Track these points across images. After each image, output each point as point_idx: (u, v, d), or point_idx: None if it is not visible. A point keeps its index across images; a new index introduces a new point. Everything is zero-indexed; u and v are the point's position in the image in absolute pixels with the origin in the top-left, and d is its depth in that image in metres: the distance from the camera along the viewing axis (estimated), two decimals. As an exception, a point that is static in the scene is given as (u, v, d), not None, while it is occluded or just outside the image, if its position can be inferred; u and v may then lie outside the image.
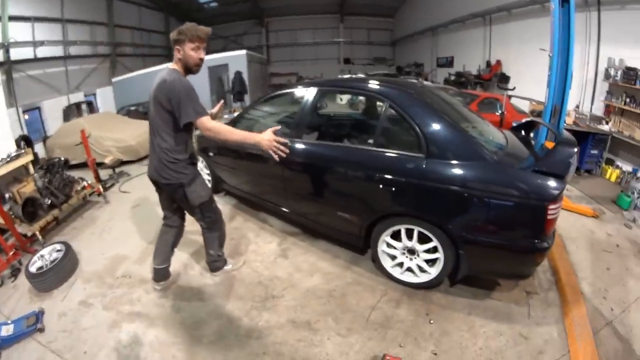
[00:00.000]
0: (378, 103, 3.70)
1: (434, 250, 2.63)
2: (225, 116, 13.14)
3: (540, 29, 10.26)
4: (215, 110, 3.19)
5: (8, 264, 4.15)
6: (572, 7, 4.25)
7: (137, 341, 2.77)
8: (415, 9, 22.48)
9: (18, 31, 12.05)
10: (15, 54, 11.92)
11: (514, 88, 8.81)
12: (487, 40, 14.76)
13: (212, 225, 2.93)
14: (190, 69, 2.53)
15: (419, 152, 2.54)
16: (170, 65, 2.56)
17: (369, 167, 2.78)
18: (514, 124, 3.95)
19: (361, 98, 7.25)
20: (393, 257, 2.90)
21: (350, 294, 2.89)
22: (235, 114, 12.45)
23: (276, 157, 2.36)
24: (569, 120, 6.08)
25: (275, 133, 2.45)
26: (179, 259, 3.61)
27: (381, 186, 2.67)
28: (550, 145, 3.23)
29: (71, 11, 14.57)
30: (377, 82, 3.20)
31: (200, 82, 14.05)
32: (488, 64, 14.50)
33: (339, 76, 24.74)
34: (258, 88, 16.33)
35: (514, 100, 8.21)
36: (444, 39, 18.94)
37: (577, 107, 8.36)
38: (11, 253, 4.24)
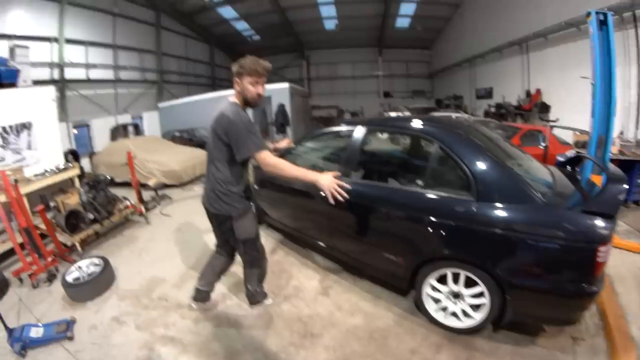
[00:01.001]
0: (426, 143, 3.73)
1: (479, 295, 2.58)
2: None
3: (579, 53, 10.15)
4: (282, 145, 3.32)
5: (45, 269, 4.37)
6: (610, 29, 4.02)
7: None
8: (451, 41, 22.72)
9: (73, 53, 13.62)
10: (69, 73, 13.36)
11: (557, 120, 8.43)
12: (526, 69, 14.59)
13: (253, 262, 2.90)
14: (248, 102, 2.57)
15: (469, 194, 2.53)
16: (230, 98, 2.61)
17: (418, 209, 2.78)
18: (559, 158, 3.86)
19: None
20: (437, 301, 2.85)
21: (391, 336, 2.82)
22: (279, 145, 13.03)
23: (332, 200, 2.33)
24: (613, 149, 5.67)
25: (337, 178, 2.47)
26: (220, 288, 3.63)
27: (430, 229, 2.65)
28: (596, 179, 3.23)
29: (122, 38, 16.14)
30: (426, 122, 3.24)
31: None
32: (528, 93, 14.28)
33: (382, 111, 25.17)
34: (300, 120, 16.81)
35: (557, 131, 7.93)
36: (482, 70, 18.89)
37: (621, 133, 7.88)
38: (50, 259, 4.48)
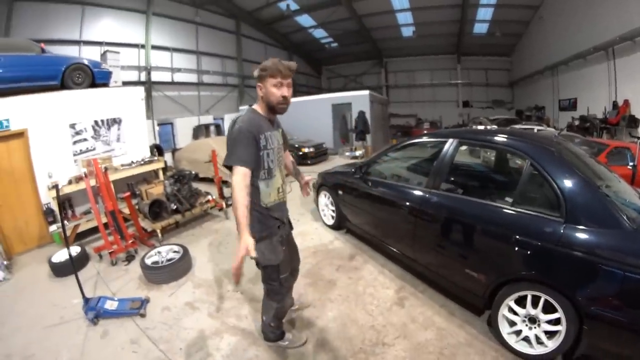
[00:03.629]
0: (516, 158, 3.71)
1: (556, 322, 2.50)
2: (347, 153, 14.03)
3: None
4: (304, 180, 2.99)
5: (125, 249, 4.78)
6: None
7: (235, 354, 2.84)
8: (531, 46, 20.97)
9: (159, 58, 15.65)
10: (156, 76, 15.33)
11: None
12: (612, 77, 13.00)
13: (273, 294, 2.60)
14: (273, 107, 2.33)
15: (558, 215, 2.49)
16: (254, 105, 2.45)
17: (505, 227, 2.75)
18: None
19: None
20: (512, 323, 2.78)
21: (461, 354, 2.76)
22: (357, 153, 13.11)
23: (237, 260, 1.98)
24: None
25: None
26: (296, 288, 3.57)
27: (516, 247, 2.61)
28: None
29: (205, 45, 17.95)
30: (517, 138, 3.23)
31: (324, 118, 15.27)
32: (614, 105, 12.73)
33: (460, 121, 24.16)
34: (379, 128, 16.78)
35: None
36: (566, 79, 17.16)
37: None
38: (130, 241, 4.88)
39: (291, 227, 2.80)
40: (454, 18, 20.28)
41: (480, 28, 21.73)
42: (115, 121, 6.82)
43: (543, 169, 2.66)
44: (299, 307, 3.36)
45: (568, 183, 2.53)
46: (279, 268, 2.47)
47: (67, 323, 3.37)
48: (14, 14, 10.73)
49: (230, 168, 2.19)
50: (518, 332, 2.72)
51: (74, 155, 6.15)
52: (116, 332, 3.17)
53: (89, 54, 10.99)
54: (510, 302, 2.71)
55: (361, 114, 13.77)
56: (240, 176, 2.11)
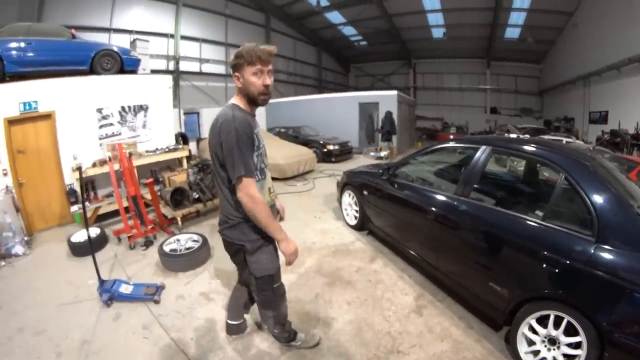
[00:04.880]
0: (548, 170, 3.63)
1: (577, 346, 2.41)
2: (372, 153, 13.84)
3: None
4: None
5: (144, 235, 4.83)
6: None
7: (247, 348, 2.81)
8: (563, 54, 20.11)
9: (188, 48, 16.04)
10: (184, 66, 15.77)
11: None
12: None
13: (267, 304, 2.49)
14: (254, 99, 2.11)
15: (589, 234, 2.41)
16: (232, 99, 2.20)
17: (534, 241, 2.68)
18: None
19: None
20: (530, 343, 2.69)
21: None
22: (382, 153, 12.95)
23: (287, 266, 2.31)
24: None
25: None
26: (314, 287, 3.76)
27: (544, 265, 2.55)
28: None
29: (233, 37, 18.22)
30: (551, 149, 3.16)
31: (350, 116, 15.12)
32: None
33: (487, 128, 23.61)
34: (405, 130, 16.60)
35: None
36: (598, 90, 16.37)
37: None
38: (150, 227, 4.93)
39: None
40: (485, 21, 19.91)
41: (512, 33, 21.26)
42: (142, 108, 6.93)
43: (577, 183, 2.60)
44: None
45: (601, 200, 2.46)
46: (273, 278, 2.38)
47: (80, 303, 3.41)
48: (46, 0, 11.12)
49: (234, 179, 2.01)
50: (536, 353, 2.65)
51: (100, 139, 6.29)
52: (128, 316, 3.18)
53: (119, 42, 11.24)
54: (531, 320, 2.65)
55: (388, 114, 13.65)
56: (252, 187, 2.00)
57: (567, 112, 19.71)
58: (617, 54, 13.53)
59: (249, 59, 1.99)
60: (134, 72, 7.16)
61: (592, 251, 2.32)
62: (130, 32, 13.13)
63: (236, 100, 2.15)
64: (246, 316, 2.97)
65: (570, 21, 18.13)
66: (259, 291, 2.40)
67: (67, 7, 11.65)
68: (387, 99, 14.58)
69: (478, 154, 3.42)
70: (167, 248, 4.19)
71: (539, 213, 2.85)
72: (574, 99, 18.71)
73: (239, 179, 1.96)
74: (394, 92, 14.87)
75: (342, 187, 5.52)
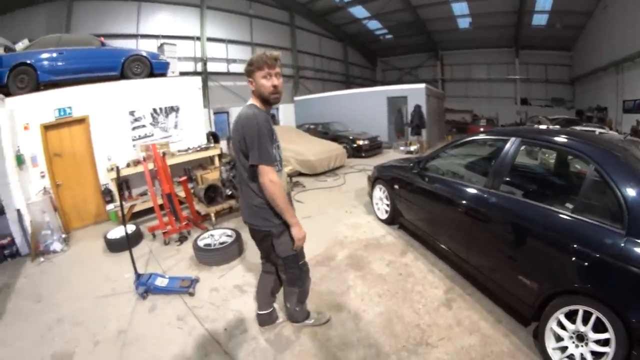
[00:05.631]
0: (578, 162, 3.56)
1: (605, 343, 2.36)
2: (401, 148, 13.66)
3: None
4: None
5: (179, 230, 4.94)
6: None
7: (279, 340, 2.85)
8: (595, 40, 18.97)
9: (215, 50, 16.50)
10: (211, 67, 16.20)
11: None
12: None
13: (294, 281, 2.74)
14: (267, 99, 2.40)
15: (620, 227, 2.36)
16: (249, 101, 2.49)
17: (564, 234, 2.65)
18: None
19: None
20: (558, 339, 2.68)
21: None
22: (412, 147, 12.75)
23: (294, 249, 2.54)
24: None
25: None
26: (345, 280, 3.80)
27: (573, 258, 2.51)
28: None
29: (259, 36, 18.58)
30: (581, 140, 3.12)
31: (379, 110, 14.97)
32: None
33: (518, 119, 22.77)
34: (434, 123, 16.34)
35: None
36: (632, 77, 15.45)
37: None
38: (184, 223, 5.05)
39: None
40: (511, 9, 19.22)
41: (539, 19, 20.34)
42: (173, 109, 7.11)
43: (608, 175, 2.56)
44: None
45: (632, 192, 2.41)
46: (297, 256, 2.64)
47: (117, 295, 3.53)
48: (73, 12, 11.67)
49: (254, 165, 2.29)
50: (563, 349, 2.62)
51: (133, 140, 6.49)
52: (164, 308, 3.26)
53: (146, 47, 11.65)
54: (560, 315, 2.62)
55: (417, 108, 13.47)
56: (274, 173, 2.28)
57: (599, 101, 18.83)
58: None
59: (257, 65, 2.32)
60: (163, 75, 7.34)
61: (622, 245, 2.28)
62: (157, 37, 13.58)
63: (252, 101, 2.44)
64: (275, 305, 3.02)
65: (601, 4, 17.19)
66: (287, 270, 2.67)
67: (95, 16, 12.20)
68: (415, 93, 14.35)
69: (507, 145, 3.41)
70: (201, 243, 4.29)
71: (569, 205, 2.82)
72: (607, 87, 17.84)
73: (262, 166, 2.24)
74: (422, 86, 14.60)
75: (373, 181, 5.49)
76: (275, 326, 2.98)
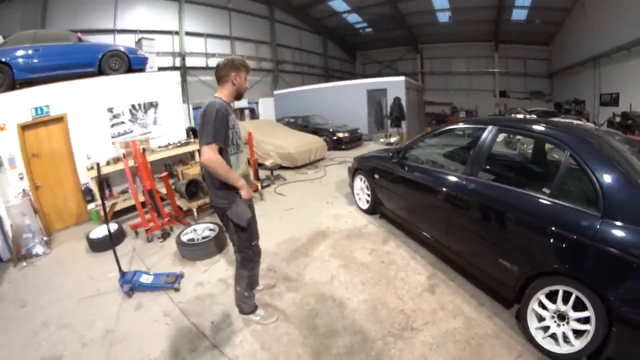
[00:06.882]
0: (554, 149, 3.72)
1: (585, 320, 2.48)
2: (381, 140, 13.72)
3: None
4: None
5: (161, 227, 4.90)
6: None
7: (265, 330, 2.89)
8: (572, 35, 19.66)
9: (193, 44, 16.22)
10: (190, 62, 15.94)
11: None
12: None
13: (245, 262, 2.89)
14: (240, 95, 2.75)
15: (595, 209, 2.47)
16: (216, 93, 2.71)
17: (541, 217, 2.74)
18: None
19: (519, 138, 7.79)
20: (540, 319, 2.79)
21: (487, 345, 2.79)
22: (392, 139, 12.84)
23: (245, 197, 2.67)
24: None
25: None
26: (329, 269, 3.84)
27: (551, 240, 2.60)
28: None
29: (238, 30, 18.40)
30: (558, 128, 3.22)
31: (358, 103, 14.99)
32: None
33: (497, 111, 23.23)
34: (414, 116, 16.44)
35: None
36: (608, 72, 16.12)
37: None
38: (166, 219, 5.00)
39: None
40: (491, 3, 19.49)
41: (518, 14, 20.80)
42: (152, 105, 6.96)
43: (582, 160, 2.65)
44: (264, 287, 3.41)
45: (607, 177, 2.51)
46: (252, 234, 2.86)
47: (103, 295, 3.48)
48: (49, 7, 11.26)
49: (203, 144, 2.48)
50: (546, 328, 2.73)
51: (112, 137, 6.34)
52: (150, 305, 3.25)
53: (124, 42, 11.33)
54: (541, 295, 2.71)
55: (397, 100, 13.54)
56: (215, 150, 2.45)
57: (577, 95, 19.43)
58: (627, 34, 13.27)
59: (246, 67, 2.71)
60: (142, 70, 7.19)
61: (598, 227, 2.36)
62: (134, 31, 13.27)
63: (219, 94, 2.67)
64: (255, 294, 3.10)
65: (579, 1, 17.69)
66: (242, 250, 2.83)
67: (70, 11, 11.81)
68: (395, 85, 14.44)
69: (485, 134, 3.46)
70: (184, 238, 4.27)
71: (546, 190, 2.89)
72: (584, 81, 18.43)
73: (207, 144, 2.42)
74: (402, 78, 14.72)
75: (354, 172, 5.53)
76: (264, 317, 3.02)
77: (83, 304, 3.37)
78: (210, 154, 2.42)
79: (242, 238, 2.78)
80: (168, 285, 3.43)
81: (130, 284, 3.37)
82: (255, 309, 3.04)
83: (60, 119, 5.68)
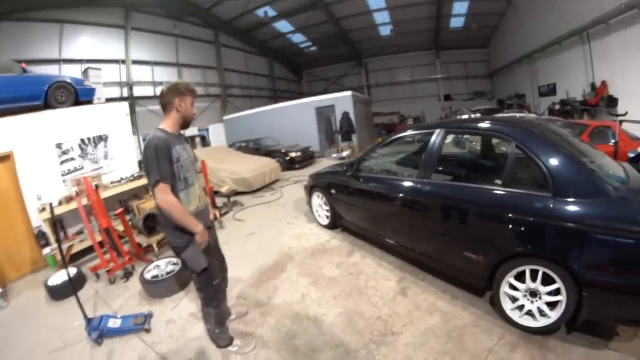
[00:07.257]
0: (501, 142, 3.93)
1: (556, 292, 2.64)
2: (334, 155, 14.09)
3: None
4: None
5: (122, 266, 4.72)
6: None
7: (247, 359, 2.86)
8: (508, 36, 21.79)
9: (140, 73, 15.92)
10: (138, 91, 15.63)
11: (626, 113, 7.82)
12: (588, 60, 13.59)
13: (208, 301, 2.77)
14: (187, 122, 2.60)
15: (546, 191, 2.65)
16: (160, 125, 2.55)
17: (497, 207, 2.91)
18: (630, 154, 3.92)
19: (467, 136, 8.04)
20: (513, 299, 2.93)
21: (468, 335, 2.89)
22: (344, 153, 13.19)
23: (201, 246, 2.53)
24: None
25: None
26: (299, 288, 3.84)
27: (510, 226, 2.77)
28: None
29: (185, 57, 18.27)
30: (500, 123, 3.44)
31: (308, 122, 15.28)
32: (593, 86, 13.35)
33: (443, 115, 24.54)
34: (364, 128, 16.99)
35: (627, 126, 7.28)
36: (543, 65, 17.90)
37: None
38: (127, 258, 4.81)
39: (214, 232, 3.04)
40: (430, 14, 20.81)
41: (456, 22, 22.45)
42: (102, 138, 6.71)
43: (527, 149, 2.82)
44: (237, 315, 3.37)
45: (552, 160, 2.68)
46: (211, 274, 2.66)
47: (70, 346, 3.29)
48: None
49: (152, 186, 2.35)
50: (521, 307, 2.85)
51: (62, 175, 6.02)
52: (122, 350, 3.12)
53: (70, 72, 10.93)
54: (510, 278, 2.83)
55: (345, 114, 13.95)
56: (167, 191, 2.33)
57: (517, 90, 21.12)
58: (557, 29, 14.64)
59: (191, 91, 2.54)
60: (89, 102, 6.93)
61: (552, 206, 2.55)
62: (80, 61, 12.84)
63: (163, 125, 2.52)
64: (228, 325, 3.07)
65: (511, 5, 19.47)
66: (202, 290, 2.71)
67: (13, 39, 11.26)
68: (342, 100, 14.92)
69: (433, 137, 3.61)
70: (148, 275, 4.14)
71: (498, 181, 3.06)
72: (522, 76, 20.18)
73: (155, 184, 2.30)
74: (349, 93, 15.19)
75: (310, 189, 5.64)
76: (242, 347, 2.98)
77: (52, 359, 3.14)
78: (163, 196, 2.31)
79: (200, 277, 2.64)
80: (138, 327, 3.31)
81: (98, 331, 3.22)
82: (231, 341, 2.97)
83: (6, 157, 5.30)
